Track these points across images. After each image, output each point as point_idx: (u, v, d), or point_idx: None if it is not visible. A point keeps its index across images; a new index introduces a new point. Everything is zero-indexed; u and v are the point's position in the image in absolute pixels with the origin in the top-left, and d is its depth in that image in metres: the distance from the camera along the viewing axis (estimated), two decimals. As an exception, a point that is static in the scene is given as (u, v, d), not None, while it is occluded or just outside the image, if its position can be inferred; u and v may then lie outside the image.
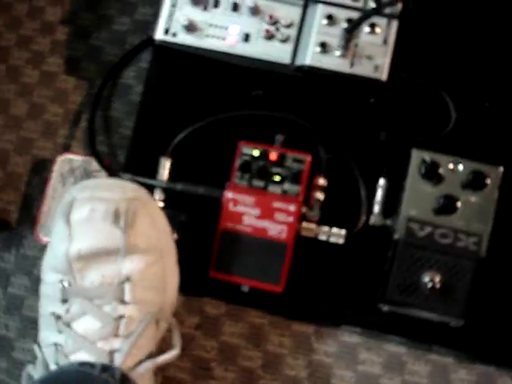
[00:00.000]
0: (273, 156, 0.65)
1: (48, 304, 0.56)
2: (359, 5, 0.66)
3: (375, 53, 0.65)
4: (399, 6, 0.65)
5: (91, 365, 0.51)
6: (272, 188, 0.65)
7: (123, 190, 0.55)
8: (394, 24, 0.65)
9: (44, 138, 0.76)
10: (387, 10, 0.65)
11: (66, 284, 0.54)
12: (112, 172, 0.69)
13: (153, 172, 0.68)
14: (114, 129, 0.75)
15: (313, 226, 0.64)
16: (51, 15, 0.80)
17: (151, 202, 0.58)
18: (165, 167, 0.67)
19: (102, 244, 0.53)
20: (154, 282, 0.56)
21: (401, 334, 0.68)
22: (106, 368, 0.51)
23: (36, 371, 0.55)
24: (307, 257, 0.66)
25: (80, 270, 0.54)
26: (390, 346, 0.68)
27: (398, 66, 0.65)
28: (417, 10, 0.67)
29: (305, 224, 0.64)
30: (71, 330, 0.53)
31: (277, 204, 0.63)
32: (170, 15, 0.68)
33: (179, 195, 0.66)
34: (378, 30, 0.65)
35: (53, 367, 0.54)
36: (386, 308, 0.65)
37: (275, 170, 0.65)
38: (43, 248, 0.70)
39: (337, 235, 0.64)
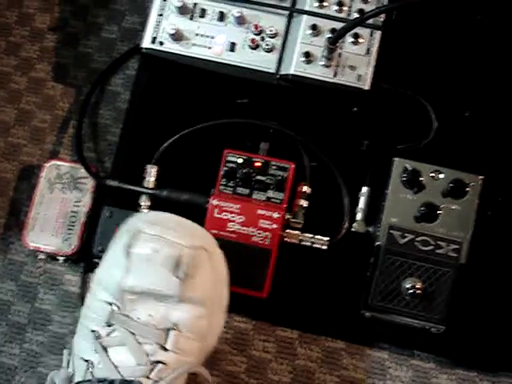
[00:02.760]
0: (257, 164, 0.66)
1: (92, 320, 0.55)
2: (343, 15, 0.67)
3: (358, 63, 0.66)
4: (382, 17, 0.66)
5: (110, 381, 0.51)
6: (256, 195, 0.66)
7: (191, 235, 0.54)
8: (377, 34, 0.67)
9: (32, 144, 0.76)
10: (370, 21, 0.66)
11: (115, 308, 0.53)
12: (99, 179, 0.70)
13: (139, 179, 0.69)
14: (102, 135, 0.76)
15: (296, 232, 0.65)
16: (40, 22, 0.81)
17: (216, 251, 0.56)
18: (151, 174, 0.68)
19: (157, 287, 0.52)
20: (198, 334, 0.54)
21: (383, 339, 0.69)
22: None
23: (59, 378, 0.55)
24: (291, 263, 0.66)
25: (131, 301, 0.53)
26: (373, 351, 0.69)
27: (380, 75, 0.67)
28: (399, 21, 0.69)
29: (289, 231, 0.65)
30: (106, 355, 0.52)
31: (261, 211, 0.64)
32: (157, 24, 0.69)
33: (165, 202, 0.67)
34: (361, 40, 0.66)
35: (77, 379, 0.54)
36: (368, 314, 0.65)
37: (259, 177, 0.66)
38: (30, 253, 0.72)
39: (320, 242, 0.65)
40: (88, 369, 0.53)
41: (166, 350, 0.52)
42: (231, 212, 0.64)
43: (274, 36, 0.68)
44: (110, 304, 0.54)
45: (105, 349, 0.53)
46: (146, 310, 0.53)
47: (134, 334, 0.52)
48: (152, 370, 0.52)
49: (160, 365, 0.52)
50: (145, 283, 0.53)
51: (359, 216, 0.67)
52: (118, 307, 0.53)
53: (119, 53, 0.78)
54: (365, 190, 0.67)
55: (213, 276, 0.55)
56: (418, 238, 0.64)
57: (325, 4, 0.67)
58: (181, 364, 0.53)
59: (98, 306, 0.55)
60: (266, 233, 0.64)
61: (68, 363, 0.56)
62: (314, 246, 0.65)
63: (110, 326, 0.53)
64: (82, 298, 0.71)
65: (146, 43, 0.69)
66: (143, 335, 0.52)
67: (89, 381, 0.52)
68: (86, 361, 0.53)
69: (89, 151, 0.75)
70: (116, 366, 0.52)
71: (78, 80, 0.78)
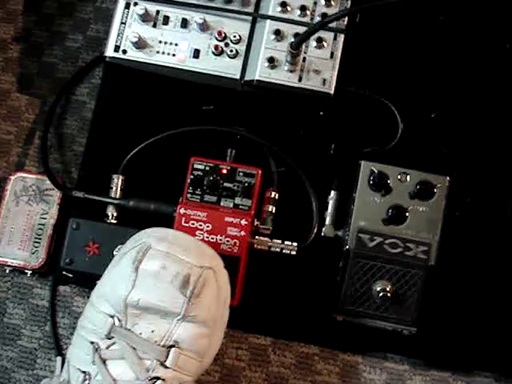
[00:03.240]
0: (224, 171, 0.66)
1: (91, 332, 0.54)
2: (306, 20, 0.67)
3: (323, 67, 0.66)
4: (345, 21, 0.66)
5: None
6: (224, 202, 0.65)
7: (200, 255, 0.54)
8: (341, 38, 0.66)
9: (-3, 156, 0.75)
10: (333, 25, 0.66)
11: (116, 321, 0.53)
12: (65, 190, 0.69)
13: (106, 189, 0.68)
14: (68, 146, 0.75)
15: (265, 239, 0.65)
16: (4, 33, 0.79)
17: (222, 272, 0.56)
18: (117, 184, 0.67)
19: (163, 304, 0.52)
20: (198, 353, 0.54)
21: (356, 343, 0.68)
22: None
23: None
24: (261, 270, 0.66)
25: (134, 316, 0.53)
26: (346, 355, 0.69)
27: (345, 79, 0.67)
28: (363, 24, 0.69)
29: (257, 237, 0.65)
30: (105, 368, 0.52)
31: (228, 218, 0.63)
32: (120, 32, 0.68)
33: (132, 212, 0.66)
34: (325, 44, 0.66)
35: None
36: (339, 318, 0.65)
37: (227, 184, 0.65)
38: (-3, 267, 0.71)
39: (289, 247, 0.65)
40: (85, 380, 0.53)
41: (165, 367, 0.52)
42: (198, 220, 0.63)
43: (237, 42, 0.67)
44: (112, 317, 0.54)
45: (104, 361, 0.52)
46: (148, 325, 0.53)
47: (135, 348, 0.52)
48: None
49: (159, 381, 0.52)
50: (151, 299, 0.52)
51: (328, 220, 0.67)
52: (120, 321, 0.53)
53: (84, 62, 0.77)
54: (333, 194, 0.67)
55: (217, 296, 0.55)
56: (387, 241, 0.64)
57: (288, 8, 0.67)
58: (179, 382, 0.53)
59: (98, 318, 0.54)
60: (235, 240, 0.63)
61: (61, 371, 0.56)
62: (284, 251, 0.65)
63: (109, 338, 0.53)
64: (51, 311, 0.70)
65: (109, 52, 0.68)
66: (144, 350, 0.52)
67: None
68: (84, 372, 0.53)
69: (55, 162, 0.74)
70: (114, 380, 0.52)
71: (43, 90, 0.77)
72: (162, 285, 0.52)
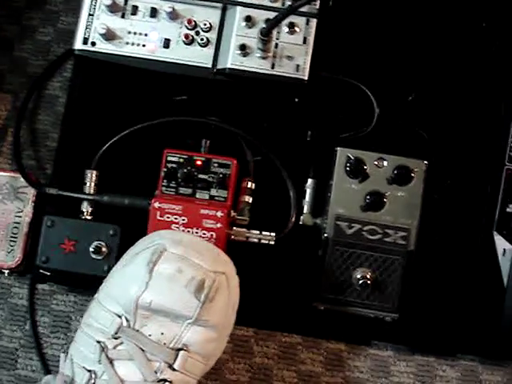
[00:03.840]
0: (198, 162, 0.64)
1: (98, 331, 0.54)
2: (277, 5, 0.66)
3: (296, 52, 0.65)
4: (317, 5, 0.65)
5: None
6: (199, 194, 0.64)
7: (215, 260, 0.55)
8: (313, 23, 0.65)
9: (-31, 155, 0.74)
10: (305, 9, 0.65)
11: (124, 322, 0.53)
12: (38, 187, 0.68)
13: (80, 185, 0.67)
14: (42, 142, 0.74)
15: (243, 230, 0.64)
16: (-28, 28, 0.78)
17: (235, 276, 0.57)
18: (91, 179, 0.66)
19: (176, 307, 0.53)
20: (205, 356, 0.55)
21: (339, 331, 0.68)
22: None
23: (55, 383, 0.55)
24: (239, 261, 0.65)
25: (144, 317, 0.53)
26: (330, 343, 0.69)
27: (319, 64, 0.65)
28: (336, 8, 0.67)
29: (235, 228, 0.64)
30: (112, 368, 0.52)
31: (204, 211, 0.62)
32: (88, 24, 0.67)
33: (107, 207, 0.66)
34: (297, 29, 0.65)
35: None
36: (321, 307, 0.65)
37: (202, 176, 0.64)
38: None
39: (267, 237, 0.64)
40: (91, 379, 0.53)
41: (173, 369, 0.53)
42: (174, 214, 0.62)
43: (208, 30, 0.66)
44: (120, 316, 0.54)
45: (111, 361, 0.53)
46: (158, 327, 0.53)
47: (143, 350, 0.52)
48: None
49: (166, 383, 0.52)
50: (164, 301, 0.53)
51: (306, 209, 0.66)
52: (128, 321, 0.53)
53: (55, 55, 0.76)
54: (310, 182, 0.66)
55: (227, 301, 0.55)
56: (366, 228, 0.63)
57: (259, -6, 0.66)
58: None
59: (105, 317, 0.54)
60: (211, 232, 0.62)
61: (64, 367, 0.56)
62: (262, 241, 0.64)
63: (116, 338, 0.53)
64: (30, 310, 0.69)
65: (78, 44, 0.67)
66: (153, 352, 0.52)
67: None
68: (89, 371, 0.53)
69: (29, 159, 0.73)
70: (122, 380, 0.52)
71: (15, 86, 0.75)
72: (176, 288, 0.53)
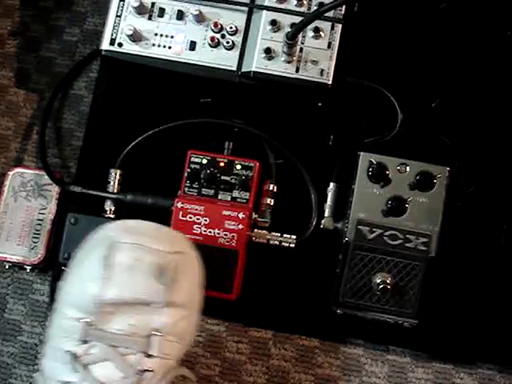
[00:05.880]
0: (222, 164, 0.65)
1: (63, 340, 0.52)
2: (303, 9, 0.66)
3: (320, 57, 0.65)
4: (343, 10, 0.65)
5: None
6: (222, 196, 0.65)
7: (171, 241, 0.53)
8: (338, 28, 0.66)
9: (-5, 152, 0.75)
10: (331, 14, 0.65)
11: (87, 324, 0.51)
12: (63, 185, 0.69)
13: (104, 183, 0.68)
14: (66, 140, 0.75)
15: (264, 232, 0.65)
16: (1, 28, 0.79)
17: (192, 253, 0.56)
18: (115, 178, 0.67)
19: (141, 296, 0.51)
20: (180, 336, 0.54)
21: (357, 335, 0.68)
22: None
23: None
24: (259, 263, 0.66)
25: (107, 314, 0.51)
26: (347, 348, 0.69)
27: (343, 69, 0.66)
28: (361, 13, 0.68)
29: (256, 230, 0.64)
30: (89, 374, 0.50)
31: (226, 212, 0.63)
32: (116, 25, 0.68)
33: (130, 206, 0.66)
34: (322, 34, 0.65)
35: None
36: (340, 311, 0.65)
37: (224, 177, 0.65)
38: (-3, 263, 0.71)
39: (288, 240, 0.64)
40: None
41: (150, 356, 0.51)
42: (196, 214, 0.63)
43: (234, 33, 0.67)
44: (82, 320, 0.52)
45: (86, 367, 0.51)
46: (126, 320, 0.52)
47: (115, 346, 0.51)
48: (140, 380, 0.51)
49: (147, 373, 0.51)
50: (128, 293, 0.51)
51: (327, 213, 0.66)
52: (90, 322, 0.52)
53: (82, 56, 0.77)
54: (332, 186, 0.66)
55: (191, 278, 0.55)
56: (387, 233, 0.63)
57: (284, -2, 0.66)
58: (167, 368, 0.52)
59: (67, 325, 0.52)
60: (233, 234, 0.63)
61: None
62: (283, 244, 0.64)
63: (85, 342, 0.51)
64: (51, 306, 0.70)
65: (105, 45, 0.68)
66: (125, 346, 0.51)
67: None
68: (67, 382, 0.51)
69: (53, 157, 0.74)
70: (102, 383, 0.50)
71: (41, 85, 0.77)
72: (137, 277, 0.51)
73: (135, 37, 0.67)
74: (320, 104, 0.68)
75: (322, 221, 0.66)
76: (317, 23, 0.64)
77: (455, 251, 0.66)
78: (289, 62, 0.65)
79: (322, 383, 0.68)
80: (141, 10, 0.67)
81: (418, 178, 0.63)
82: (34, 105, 0.76)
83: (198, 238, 0.63)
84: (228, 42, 0.66)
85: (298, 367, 0.68)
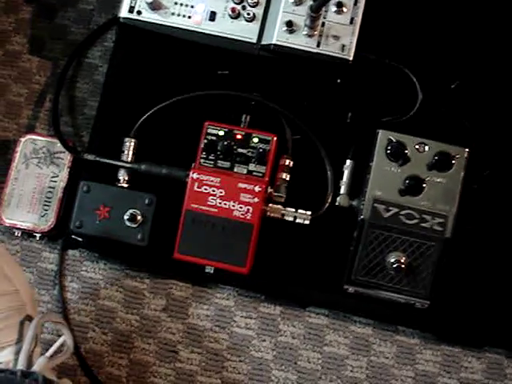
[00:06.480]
0: (238, 136, 0.64)
1: None
2: (326, -17, 0.65)
3: (342, 32, 0.64)
4: (366, -14, 0.65)
5: (11, 372, 0.51)
6: (238, 169, 0.64)
7: None
8: (361, 3, 0.65)
9: (7, 118, 0.74)
10: (354, -11, 0.64)
11: None
12: (76, 153, 0.68)
13: (117, 153, 0.67)
14: (79, 109, 0.74)
15: (279, 206, 0.64)
16: (15, -7, 0.78)
17: None
18: (129, 148, 0.66)
19: None
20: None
21: (367, 315, 0.68)
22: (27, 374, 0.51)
23: None
24: (273, 238, 0.65)
25: None
26: (356, 327, 0.68)
27: (364, 46, 0.65)
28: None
29: (271, 205, 0.64)
30: None
31: (242, 185, 0.62)
32: (135, -7, 0.67)
33: (144, 176, 0.65)
34: (344, 9, 0.64)
35: None
36: (351, 289, 0.64)
37: (241, 150, 0.64)
38: (7, 231, 0.70)
39: (303, 216, 0.64)
40: None
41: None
42: (211, 186, 0.62)
43: (255, 5, 0.66)
44: None
45: None
46: None
47: None
48: None
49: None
50: None
51: (343, 190, 0.65)
52: None
53: (97, 24, 0.76)
54: (348, 163, 0.66)
55: None
56: (403, 212, 0.63)
57: (308, -28, 0.65)
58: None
59: None
60: (248, 207, 0.62)
61: None
62: (297, 220, 0.64)
63: None
64: (60, 275, 0.69)
65: (124, 12, 0.67)
66: None
67: None
68: None
69: (66, 125, 0.73)
70: None
71: (55, 53, 0.76)
72: None
73: (155, 5, 0.66)
74: (339, 80, 0.67)
75: (338, 198, 0.65)
76: (340, -2, 0.64)
77: (470, 234, 0.66)
78: (310, 36, 0.64)
79: (329, 361, 0.68)
80: (161, -22, 0.66)
81: (436, 157, 0.63)
82: (47, 72, 0.75)
83: (212, 209, 0.62)
84: (249, 14, 0.65)
85: (306, 344, 0.68)
